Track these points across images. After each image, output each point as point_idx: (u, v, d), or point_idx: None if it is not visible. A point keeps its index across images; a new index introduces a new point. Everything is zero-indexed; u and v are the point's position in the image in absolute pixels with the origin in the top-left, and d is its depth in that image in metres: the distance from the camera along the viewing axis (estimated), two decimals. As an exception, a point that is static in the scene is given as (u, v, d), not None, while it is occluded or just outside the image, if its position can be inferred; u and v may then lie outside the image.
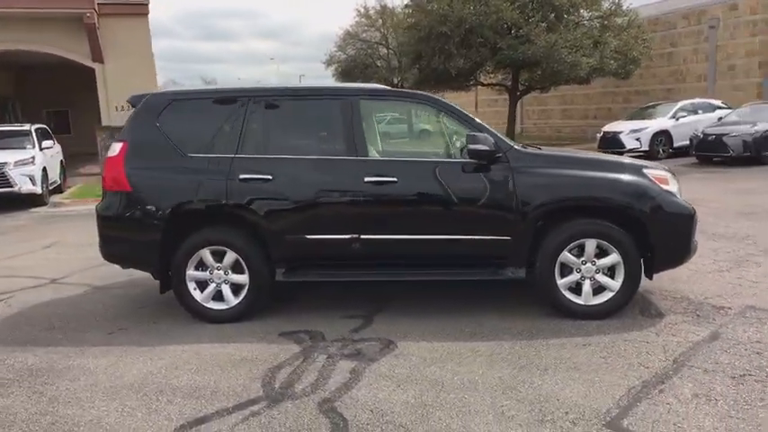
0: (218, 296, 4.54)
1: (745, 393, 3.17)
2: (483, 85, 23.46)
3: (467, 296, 4.90)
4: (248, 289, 4.48)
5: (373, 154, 4.48)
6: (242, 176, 4.37)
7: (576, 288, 4.35)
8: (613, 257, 4.25)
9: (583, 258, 4.30)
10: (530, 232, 4.28)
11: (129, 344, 4.23)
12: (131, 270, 6.33)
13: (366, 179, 4.32)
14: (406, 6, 22.15)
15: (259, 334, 4.31)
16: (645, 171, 4.35)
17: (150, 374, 3.70)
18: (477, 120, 4.47)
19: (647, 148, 16.18)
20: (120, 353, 4.06)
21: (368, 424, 3.00)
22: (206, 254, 4.46)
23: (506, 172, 4.27)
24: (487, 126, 4.46)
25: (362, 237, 4.34)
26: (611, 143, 16.64)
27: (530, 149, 4.59)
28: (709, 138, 14.34)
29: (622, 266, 4.24)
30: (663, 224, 4.23)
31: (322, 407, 3.19)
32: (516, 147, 4.41)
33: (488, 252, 4.38)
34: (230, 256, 4.45)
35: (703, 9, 21.61)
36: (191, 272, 4.49)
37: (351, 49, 29.17)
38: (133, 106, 4.72)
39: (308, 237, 4.38)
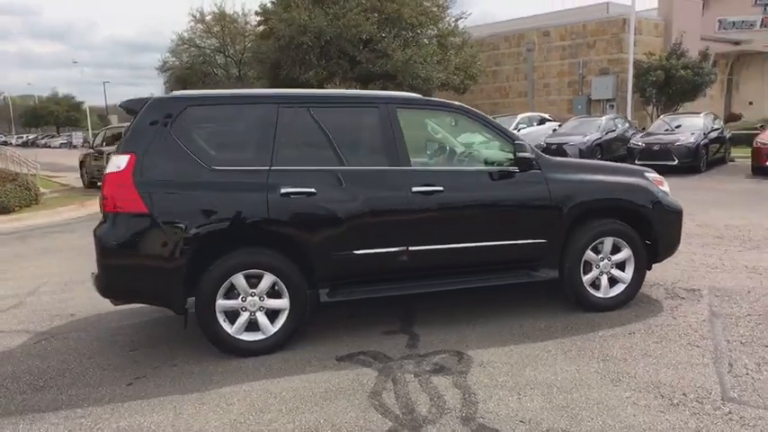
0: (251, 326, 4.04)
1: (790, 357, 3.78)
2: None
3: (477, 302, 4.95)
4: (288, 315, 4.06)
5: (415, 163, 4.38)
6: (283, 191, 3.95)
7: (593, 283, 4.74)
8: (626, 252, 4.72)
9: (601, 255, 4.70)
10: (563, 234, 4.55)
11: (168, 393, 3.55)
12: (65, 310, 5.42)
13: (414, 189, 4.21)
14: (257, 14, 21.56)
15: (313, 362, 3.93)
16: (647, 174, 4.92)
17: (239, 423, 3.17)
18: (509, 129, 4.65)
19: (497, 157, 17.82)
20: (170, 404, 3.40)
21: (533, 434, 2.96)
22: (239, 279, 3.94)
23: (540, 178, 4.50)
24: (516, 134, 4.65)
25: (411, 248, 4.22)
26: (466, 152, 18.05)
27: (553, 158, 4.89)
28: (552, 146, 16.33)
29: (633, 260, 4.74)
30: (664, 220, 4.82)
31: (469, 425, 3.06)
32: (543, 155, 4.67)
33: (526, 255, 4.56)
34: (267, 280, 4.00)
35: (521, 33, 24.60)
36: (221, 301, 3.93)
37: (186, 55, 27.32)
38: (130, 113, 3.99)
39: (357, 252, 4.12)
